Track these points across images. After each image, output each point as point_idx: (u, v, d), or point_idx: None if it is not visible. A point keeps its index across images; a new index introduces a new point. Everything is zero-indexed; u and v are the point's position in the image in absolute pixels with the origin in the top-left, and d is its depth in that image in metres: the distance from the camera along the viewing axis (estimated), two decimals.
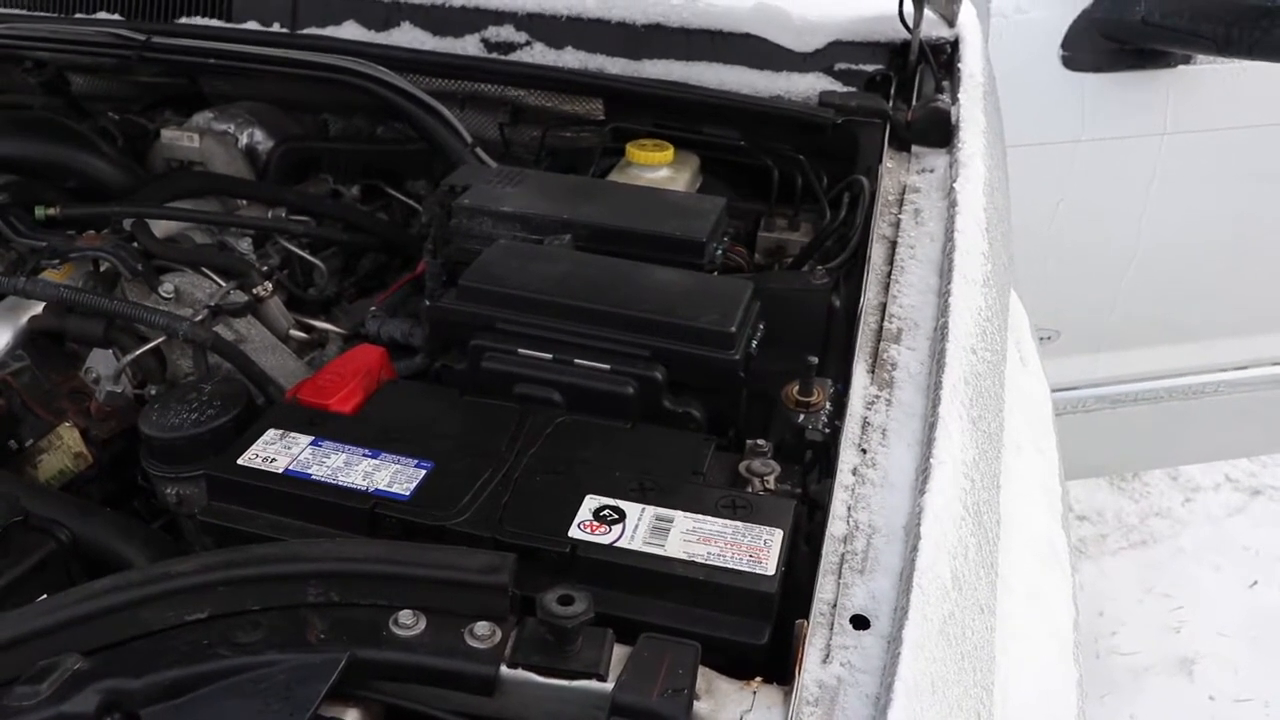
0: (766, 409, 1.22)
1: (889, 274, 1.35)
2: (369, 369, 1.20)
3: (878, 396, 1.13)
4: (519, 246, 1.35)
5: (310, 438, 1.07)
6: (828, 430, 1.11)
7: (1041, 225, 2.48)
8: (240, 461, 1.04)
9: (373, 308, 1.46)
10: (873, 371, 1.18)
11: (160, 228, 1.52)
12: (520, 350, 1.19)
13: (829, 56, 1.80)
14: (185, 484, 1.19)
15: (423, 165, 1.86)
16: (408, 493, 1.00)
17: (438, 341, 1.27)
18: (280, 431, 1.08)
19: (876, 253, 1.38)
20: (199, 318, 1.35)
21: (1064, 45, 2.41)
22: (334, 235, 1.66)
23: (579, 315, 1.20)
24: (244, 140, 1.84)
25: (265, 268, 1.50)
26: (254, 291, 1.42)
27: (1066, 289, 2.56)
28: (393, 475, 1.02)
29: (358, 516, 0.99)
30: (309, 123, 1.97)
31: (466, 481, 1.01)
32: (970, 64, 1.82)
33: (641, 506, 0.98)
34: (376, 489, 1.00)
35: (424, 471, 1.03)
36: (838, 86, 1.79)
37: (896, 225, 1.45)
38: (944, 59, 1.87)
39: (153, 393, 1.34)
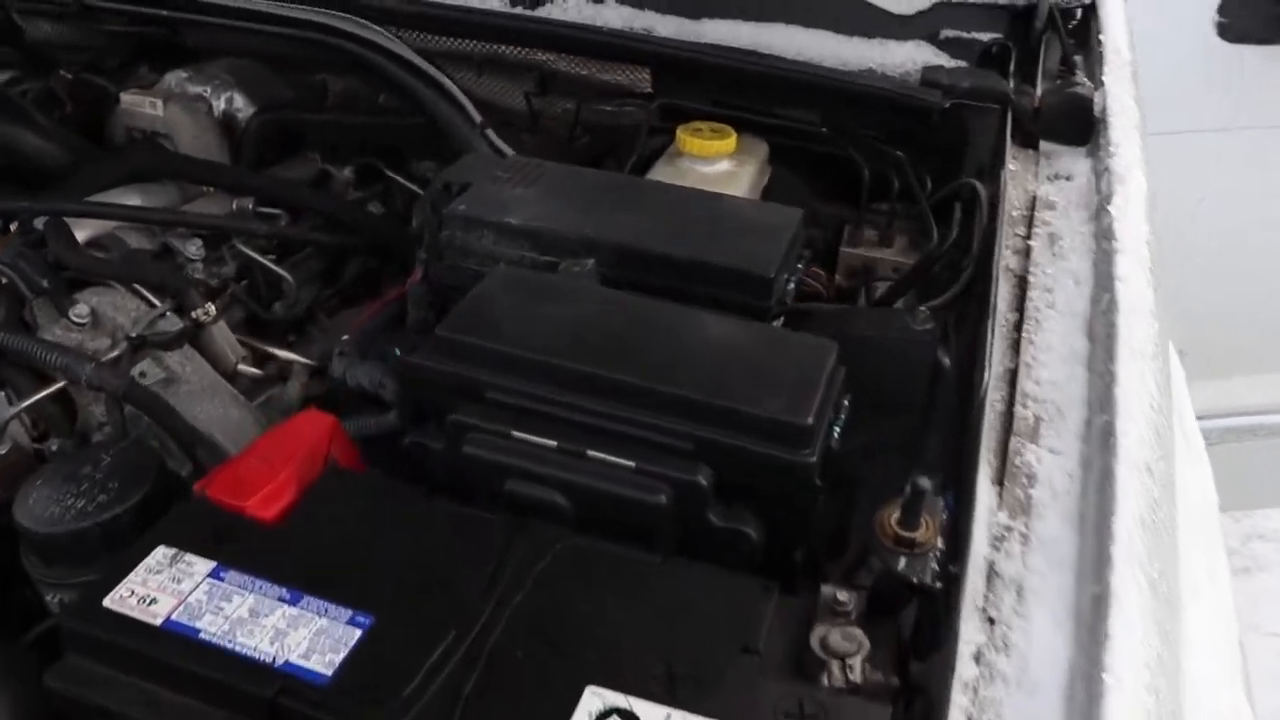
0: (843, 500, 0.91)
1: (1018, 325, 1.02)
2: (312, 449, 0.89)
3: (1009, 528, 0.81)
4: (523, 276, 1.03)
5: (211, 564, 0.77)
6: (939, 583, 0.78)
7: (1178, 227, 2.11)
8: (107, 603, 0.74)
9: (343, 337, 1.14)
10: (1000, 483, 0.85)
11: (89, 224, 1.22)
12: (515, 433, 0.87)
13: (934, 20, 1.49)
14: (69, 591, 0.90)
15: (431, 142, 1.54)
16: (329, 671, 0.69)
17: (410, 407, 0.95)
18: (173, 551, 0.78)
19: (1001, 294, 1.04)
20: (114, 354, 1.05)
21: (1221, 10, 2.03)
22: (308, 236, 1.33)
23: (597, 387, 0.88)
24: (220, 106, 1.54)
25: (214, 281, 1.19)
26: (193, 315, 1.11)
27: (1200, 302, 2.19)
28: (313, 637, 0.72)
29: (255, 706, 0.69)
30: (304, 84, 1.65)
31: (417, 651, 0.71)
32: (1114, 34, 1.47)
33: (667, 711, 0.67)
34: (286, 661, 0.70)
35: (359, 631, 0.72)
36: (944, 59, 1.46)
37: (1025, 254, 1.11)
38: (1075, 25, 1.53)
39: (54, 449, 1.05)
